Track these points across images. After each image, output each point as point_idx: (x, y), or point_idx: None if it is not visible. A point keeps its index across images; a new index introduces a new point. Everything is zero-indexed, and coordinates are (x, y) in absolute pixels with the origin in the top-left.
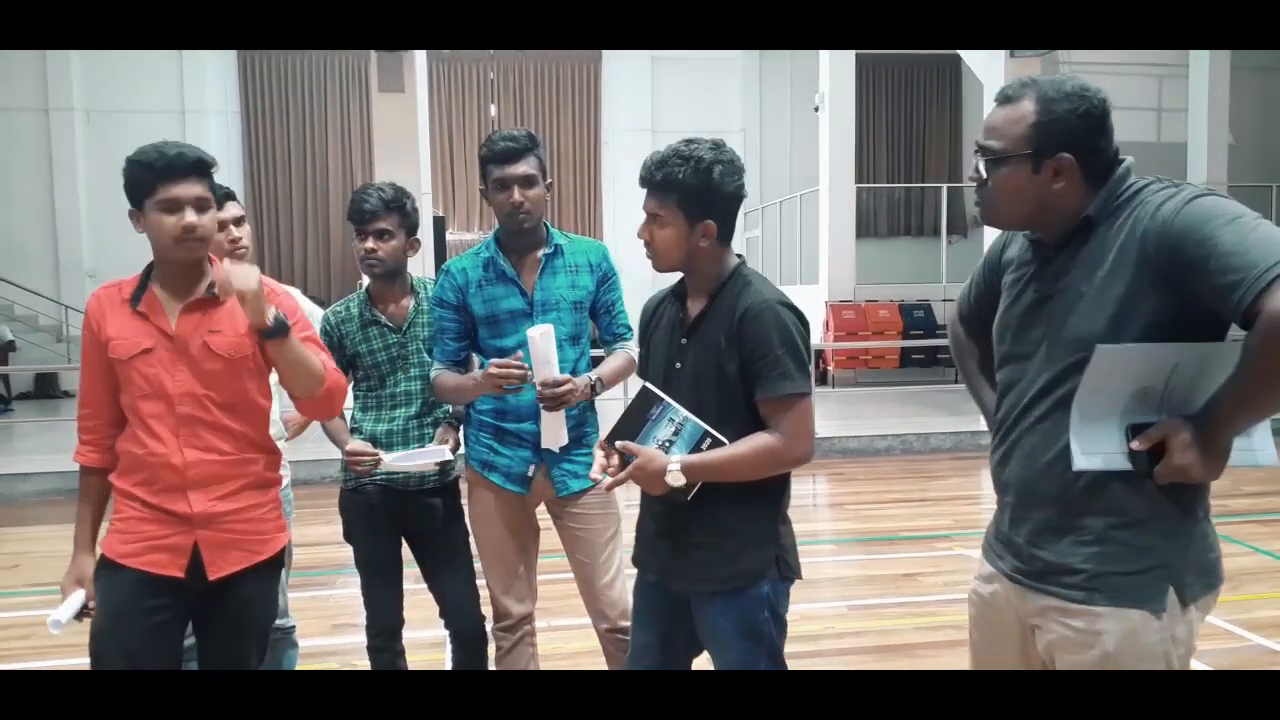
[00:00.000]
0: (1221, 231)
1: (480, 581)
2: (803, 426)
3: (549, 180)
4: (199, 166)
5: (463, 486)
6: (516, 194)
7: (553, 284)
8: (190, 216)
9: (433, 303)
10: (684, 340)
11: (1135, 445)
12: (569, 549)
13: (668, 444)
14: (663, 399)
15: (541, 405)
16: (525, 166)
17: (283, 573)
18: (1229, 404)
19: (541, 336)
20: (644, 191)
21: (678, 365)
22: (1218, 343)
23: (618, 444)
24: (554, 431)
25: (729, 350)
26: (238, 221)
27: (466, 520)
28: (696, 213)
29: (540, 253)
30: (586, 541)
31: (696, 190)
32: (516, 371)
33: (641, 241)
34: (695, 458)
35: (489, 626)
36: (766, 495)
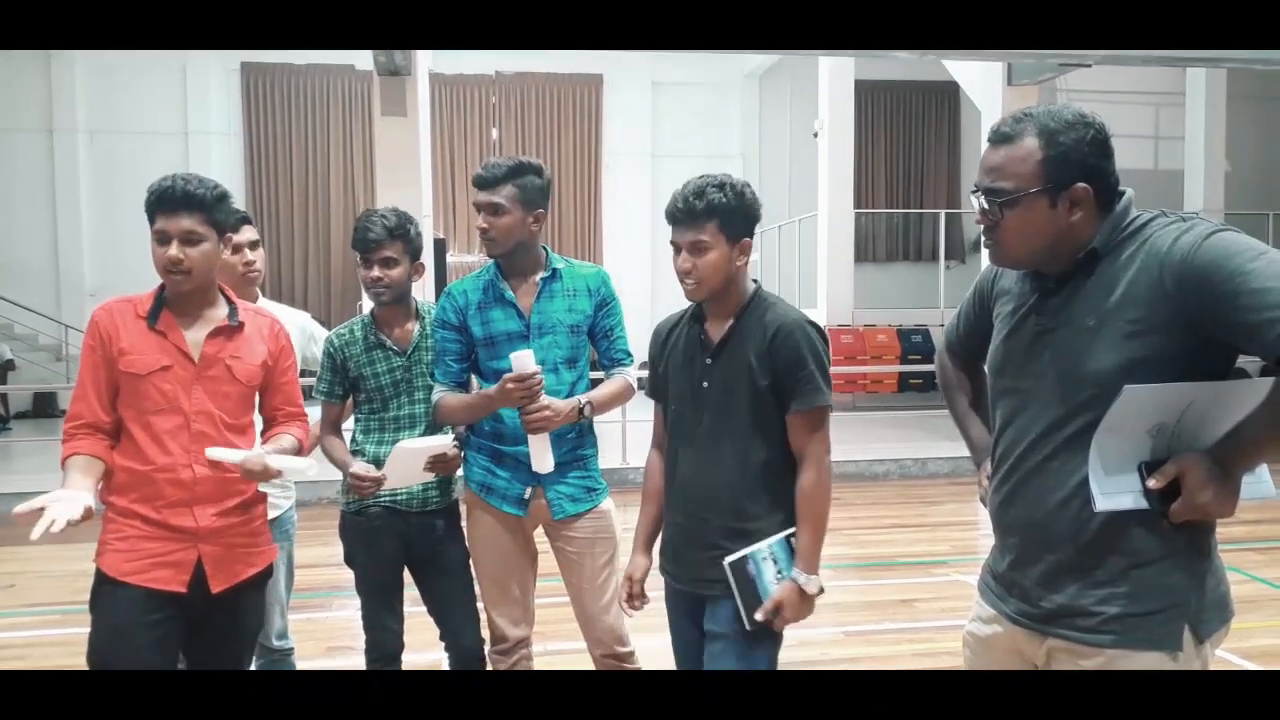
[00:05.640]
0: (1250, 267)
1: (479, 605)
2: (826, 441)
3: (539, 209)
4: (188, 201)
5: (463, 509)
6: (482, 219)
7: (550, 307)
8: (173, 250)
9: (435, 324)
10: (709, 361)
11: (1152, 483)
12: (564, 572)
13: (780, 574)
14: (744, 554)
15: (525, 430)
16: (494, 195)
17: (285, 594)
18: (1253, 441)
19: (526, 356)
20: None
21: (705, 385)
22: (1232, 381)
23: (758, 618)
24: (540, 455)
25: (760, 367)
26: (252, 245)
27: (466, 542)
28: (735, 233)
29: (538, 276)
30: (581, 565)
31: (735, 211)
32: (537, 381)
33: (678, 272)
34: (807, 556)
35: (485, 650)
36: (784, 500)
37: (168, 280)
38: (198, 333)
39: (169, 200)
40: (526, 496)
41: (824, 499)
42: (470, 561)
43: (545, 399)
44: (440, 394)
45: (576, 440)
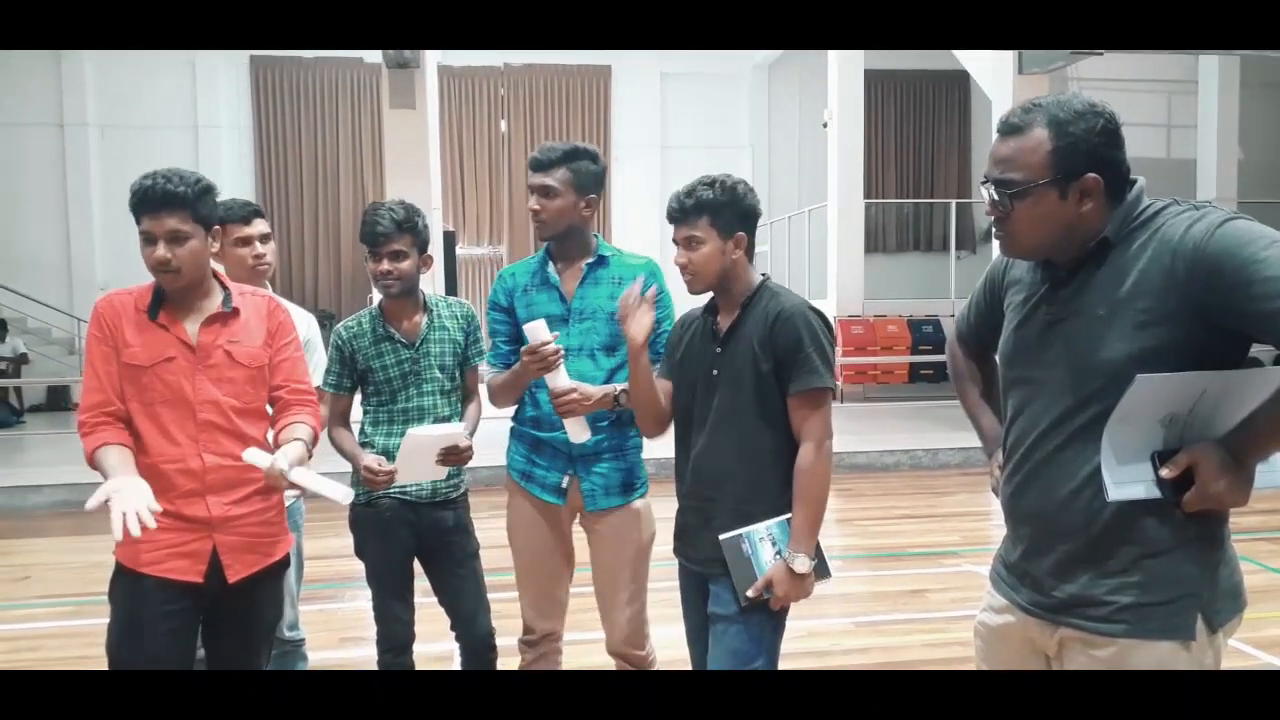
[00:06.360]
0: (1263, 255)
1: (501, 595)
2: (825, 423)
3: (591, 195)
4: (170, 200)
5: (473, 499)
6: (533, 201)
7: (593, 293)
8: (159, 251)
9: (488, 306)
10: (719, 350)
11: (1165, 473)
12: (592, 562)
13: (778, 555)
14: (738, 534)
15: (556, 412)
16: (547, 177)
17: (295, 585)
18: (1267, 430)
19: (538, 326)
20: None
21: (715, 372)
22: (1245, 370)
23: (750, 594)
24: (575, 429)
25: (763, 353)
26: (263, 238)
27: (477, 533)
28: (728, 227)
29: (585, 262)
30: (607, 558)
31: (726, 206)
32: (548, 349)
33: (677, 267)
34: (798, 535)
35: (515, 639)
36: (782, 485)
37: (158, 279)
38: (196, 323)
39: (150, 201)
40: (564, 485)
41: (819, 480)
42: (480, 551)
43: (574, 383)
44: (489, 376)
45: (612, 429)
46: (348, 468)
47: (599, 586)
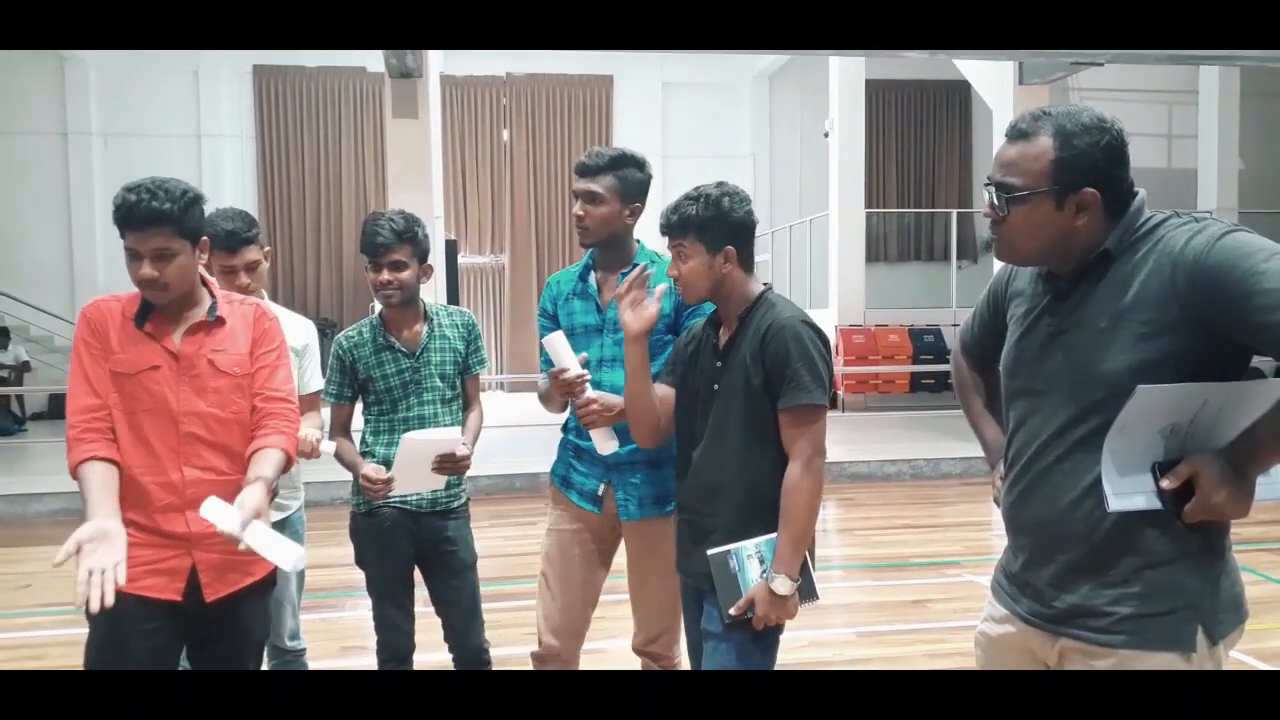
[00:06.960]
0: (1263, 268)
1: (499, 605)
2: (815, 440)
3: (635, 204)
4: (155, 217)
5: (473, 509)
6: (578, 207)
7: None
8: (146, 269)
9: (538, 312)
10: (719, 363)
11: (1166, 484)
12: (627, 563)
13: (764, 572)
14: (727, 549)
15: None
16: (593, 184)
17: (296, 594)
18: (1268, 441)
19: (554, 341)
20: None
21: (715, 386)
22: (1246, 381)
23: (732, 612)
24: (601, 440)
25: (754, 367)
26: (250, 267)
27: (475, 545)
28: (715, 241)
29: (622, 271)
30: (639, 563)
31: (711, 220)
32: (570, 376)
33: (670, 279)
34: (780, 556)
35: (511, 649)
36: (778, 502)
37: (145, 295)
38: (182, 332)
39: (134, 219)
40: (600, 493)
41: (805, 498)
42: (478, 564)
43: (594, 393)
44: (540, 382)
45: None
46: (348, 476)
47: (631, 586)
